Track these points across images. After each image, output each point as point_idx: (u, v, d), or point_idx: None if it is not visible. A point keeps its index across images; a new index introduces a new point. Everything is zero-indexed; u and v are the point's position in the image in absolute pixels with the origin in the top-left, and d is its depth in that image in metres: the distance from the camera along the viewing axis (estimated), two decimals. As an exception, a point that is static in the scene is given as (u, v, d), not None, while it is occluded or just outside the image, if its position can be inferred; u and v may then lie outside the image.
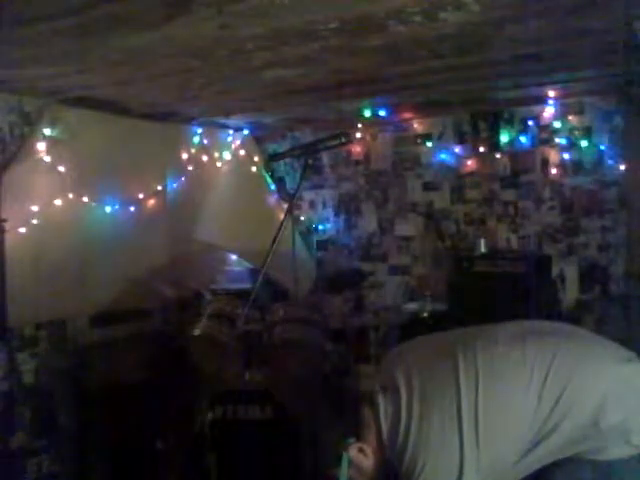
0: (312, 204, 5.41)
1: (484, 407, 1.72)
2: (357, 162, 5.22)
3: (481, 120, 4.72)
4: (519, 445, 1.71)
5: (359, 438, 1.86)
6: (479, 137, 4.73)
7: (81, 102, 3.63)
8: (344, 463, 1.85)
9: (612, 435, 1.68)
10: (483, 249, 4.40)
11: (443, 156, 4.87)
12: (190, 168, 4.60)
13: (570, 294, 4.38)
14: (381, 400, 1.84)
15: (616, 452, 1.68)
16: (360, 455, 1.86)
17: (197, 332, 3.53)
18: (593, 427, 1.67)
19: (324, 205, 5.38)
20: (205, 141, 4.73)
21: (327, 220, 5.36)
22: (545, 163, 4.52)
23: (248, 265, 5.02)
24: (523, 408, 1.71)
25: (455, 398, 1.74)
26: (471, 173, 4.78)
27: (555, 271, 4.31)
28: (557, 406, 1.69)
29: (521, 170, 4.60)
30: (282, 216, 3.16)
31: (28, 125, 3.50)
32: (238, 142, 5.05)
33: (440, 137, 4.88)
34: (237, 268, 5.16)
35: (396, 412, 1.80)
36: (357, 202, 5.24)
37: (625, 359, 1.79)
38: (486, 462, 1.71)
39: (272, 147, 5.32)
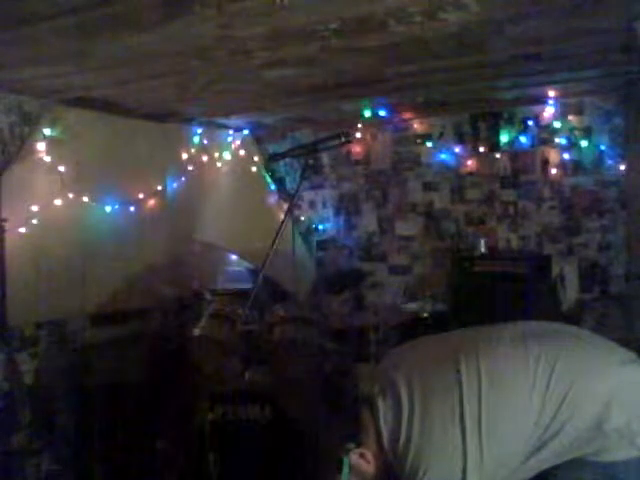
0: (312, 204, 5.42)
1: (487, 410, 1.71)
2: (357, 162, 5.23)
3: (481, 120, 4.73)
4: (523, 448, 1.70)
5: (359, 443, 1.85)
6: (479, 137, 4.74)
7: (81, 102, 3.63)
8: (345, 469, 1.84)
9: (616, 437, 1.67)
10: (483, 249, 4.40)
11: (443, 156, 4.87)
12: (190, 168, 4.60)
13: (570, 294, 4.37)
14: (381, 405, 1.81)
15: (620, 454, 1.67)
16: (361, 460, 1.84)
17: (197, 332, 3.53)
18: (597, 429, 1.67)
19: (324, 205, 5.38)
20: (205, 141, 4.73)
21: (327, 220, 5.36)
22: (545, 163, 4.53)
23: (248, 265, 5.02)
24: (527, 410, 1.70)
25: (457, 401, 1.73)
26: (471, 173, 4.78)
27: (555, 271, 4.31)
28: (561, 408, 1.68)
29: (521, 170, 4.61)
30: (282, 216, 3.16)
31: (28, 125, 3.50)
32: (238, 142, 5.05)
33: (440, 137, 4.88)
34: (237, 268, 5.16)
35: (397, 417, 1.78)
36: (357, 202, 5.24)
37: (627, 361, 1.79)
38: (489, 466, 1.70)
39: (272, 147, 5.31)
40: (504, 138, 4.65)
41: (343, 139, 2.98)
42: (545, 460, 1.72)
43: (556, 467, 1.74)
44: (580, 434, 1.68)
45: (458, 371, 1.76)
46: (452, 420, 1.71)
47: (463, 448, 1.68)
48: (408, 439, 1.74)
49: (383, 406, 1.81)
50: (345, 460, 1.83)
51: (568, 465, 1.73)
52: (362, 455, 1.84)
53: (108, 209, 3.98)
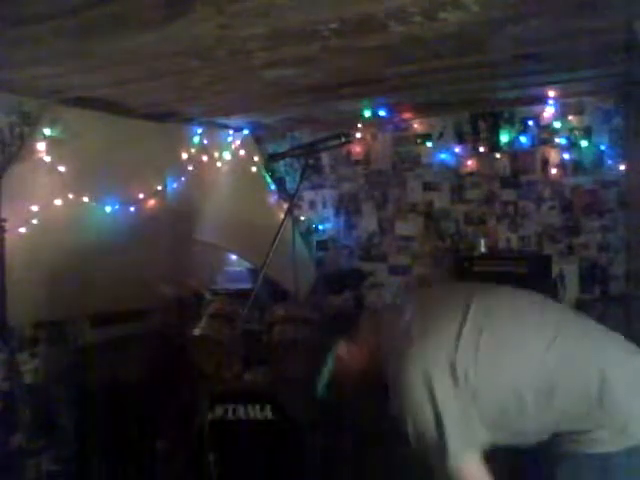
0: (312, 204, 5.41)
1: (489, 336, 1.76)
2: (357, 162, 5.22)
3: (481, 120, 4.73)
4: (520, 391, 1.73)
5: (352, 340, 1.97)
6: (479, 137, 4.73)
7: (81, 102, 3.62)
8: (329, 362, 1.94)
9: (613, 418, 1.69)
10: (483, 249, 4.40)
11: (443, 156, 4.87)
12: (190, 168, 4.59)
13: (570, 294, 4.37)
14: (385, 315, 1.95)
15: (612, 445, 1.69)
16: (346, 351, 1.95)
17: (197, 332, 3.53)
18: (598, 403, 1.69)
19: (324, 205, 5.38)
20: (205, 141, 4.73)
21: (327, 220, 5.36)
22: (545, 163, 4.53)
23: (248, 265, 5.02)
24: (529, 352, 1.75)
25: (458, 323, 1.78)
26: (471, 173, 4.78)
27: (555, 271, 4.31)
28: (564, 362, 1.73)
29: (521, 170, 4.61)
30: (282, 216, 3.16)
31: (28, 125, 3.50)
32: (238, 142, 5.05)
33: (440, 137, 4.88)
34: (237, 268, 5.16)
35: (396, 322, 1.87)
36: (357, 202, 5.24)
37: (633, 351, 1.83)
38: (483, 393, 1.74)
39: (272, 147, 5.31)
40: (504, 138, 4.65)
41: (343, 139, 2.98)
42: (547, 424, 1.75)
43: (554, 466, 1.76)
44: (581, 402, 1.71)
45: (468, 305, 1.83)
46: (449, 326, 1.79)
47: (455, 355, 1.74)
48: (405, 337, 1.81)
49: (387, 316, 1.95)
50: (330, 354, 1.94)
51: (565, 462, 1.75)
52: (349, 348, 1.94)
53: (108, 209, 3.98)
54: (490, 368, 1.74)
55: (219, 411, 3.12)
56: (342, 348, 1.95)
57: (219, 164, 4.92)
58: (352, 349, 1.96)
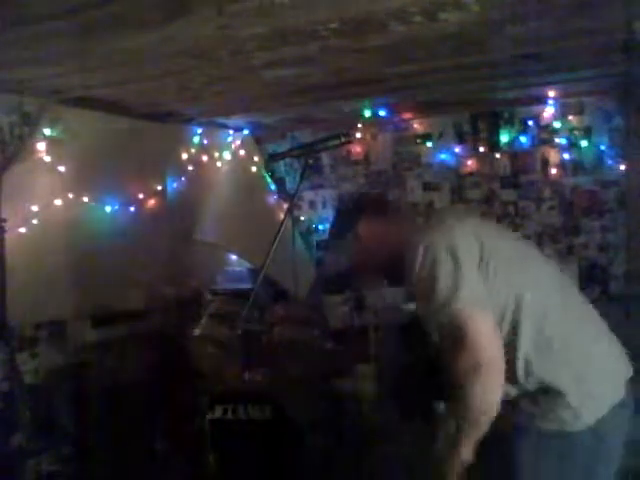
0: (312, 204, 5.41)
1: (506, 252, 1.88)
2: (357, 162, 5.22)
3: (481, 120, 4.73)
4: (518, 308, 1.78)
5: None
6: (479, 137, 4.74)
7: (81, 102, 3.62)
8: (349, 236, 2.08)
9: (570, 392, 1.74)
10: (483, 249, 4.39)
11: (443, 156, 4.87)
12: (190, 168, 4.59)
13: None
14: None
15: (573, 425, 1.74)
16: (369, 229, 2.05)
17: (197, 332, 3.53)
18: (575, 370, 1.77)
19: (324, 205, 5.38)
20: (205, 141, 4.72)
21: (327, 220, 5.36)
22: (545, 163, 4.53)
23: (248, 265, 5.02)
24: (535, 277, 1.87)
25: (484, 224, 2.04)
26: (471, 173, 4.78)
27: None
28: (559, 309, 1.86)
29: (521, 170, 4.61)
30: (282, 216, 3.16)
31: (28, 125, 3.50)
32: (238, 142, 5.05)
33: (440, 137, 4.88)
34: (237, 268, 5.16)
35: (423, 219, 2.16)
36: (357, 202, 5.23)
37: (620, 351, 1.92)
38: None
39: (272, 147, 5.31)
40: (504, 138, 4.66)
41: (343, 139, 2.98)
42: (528, 368, 1.78)
43: (515, 440, 1.80)
44: (556, 351, 1.79)
45: (493, 223, 2.16)
46: (478, 222, 2.01)
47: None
48: (430, 224, 2.01)
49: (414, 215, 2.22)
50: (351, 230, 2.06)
51: (527, 437, 1.79)
52: (371, 226, 2.06)
53: (108, 209, 3.98)
54: (504, 270, 1.79)
55: (219, 411, 3.12)
56: (364, 226, 2.03)
57: (219, 164, 4.92)
58: (375, 228, 2.03)
